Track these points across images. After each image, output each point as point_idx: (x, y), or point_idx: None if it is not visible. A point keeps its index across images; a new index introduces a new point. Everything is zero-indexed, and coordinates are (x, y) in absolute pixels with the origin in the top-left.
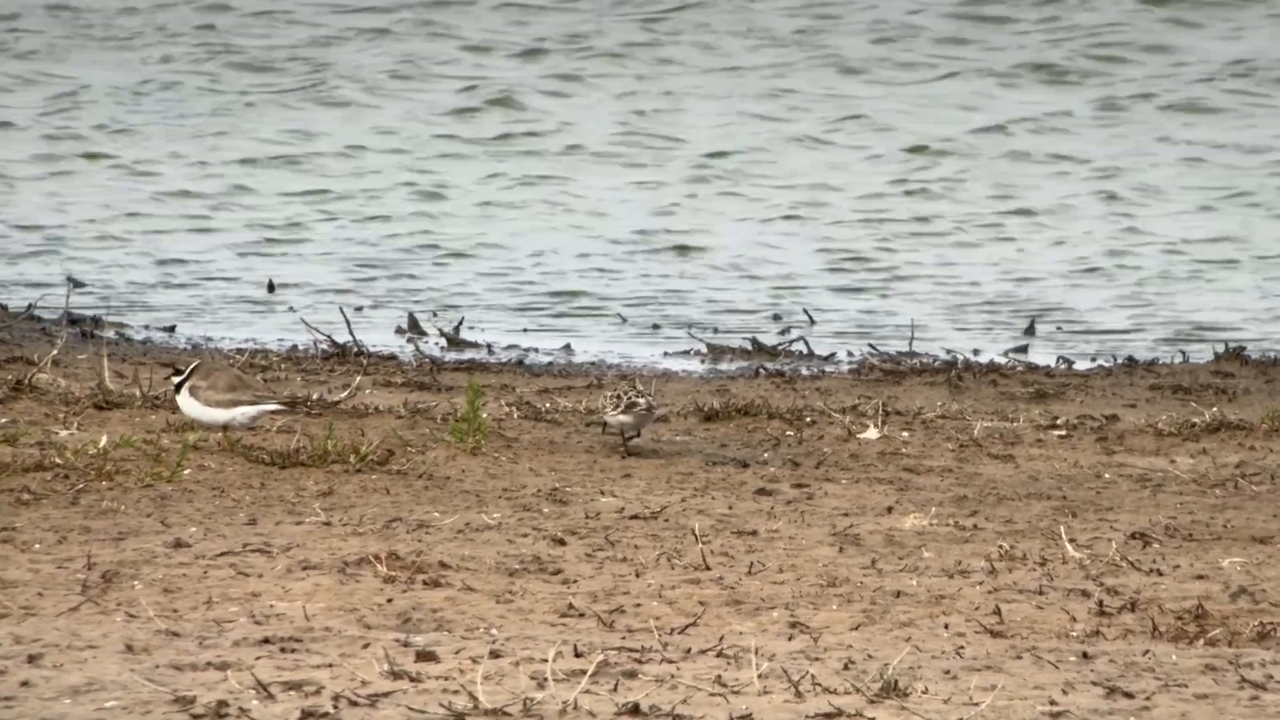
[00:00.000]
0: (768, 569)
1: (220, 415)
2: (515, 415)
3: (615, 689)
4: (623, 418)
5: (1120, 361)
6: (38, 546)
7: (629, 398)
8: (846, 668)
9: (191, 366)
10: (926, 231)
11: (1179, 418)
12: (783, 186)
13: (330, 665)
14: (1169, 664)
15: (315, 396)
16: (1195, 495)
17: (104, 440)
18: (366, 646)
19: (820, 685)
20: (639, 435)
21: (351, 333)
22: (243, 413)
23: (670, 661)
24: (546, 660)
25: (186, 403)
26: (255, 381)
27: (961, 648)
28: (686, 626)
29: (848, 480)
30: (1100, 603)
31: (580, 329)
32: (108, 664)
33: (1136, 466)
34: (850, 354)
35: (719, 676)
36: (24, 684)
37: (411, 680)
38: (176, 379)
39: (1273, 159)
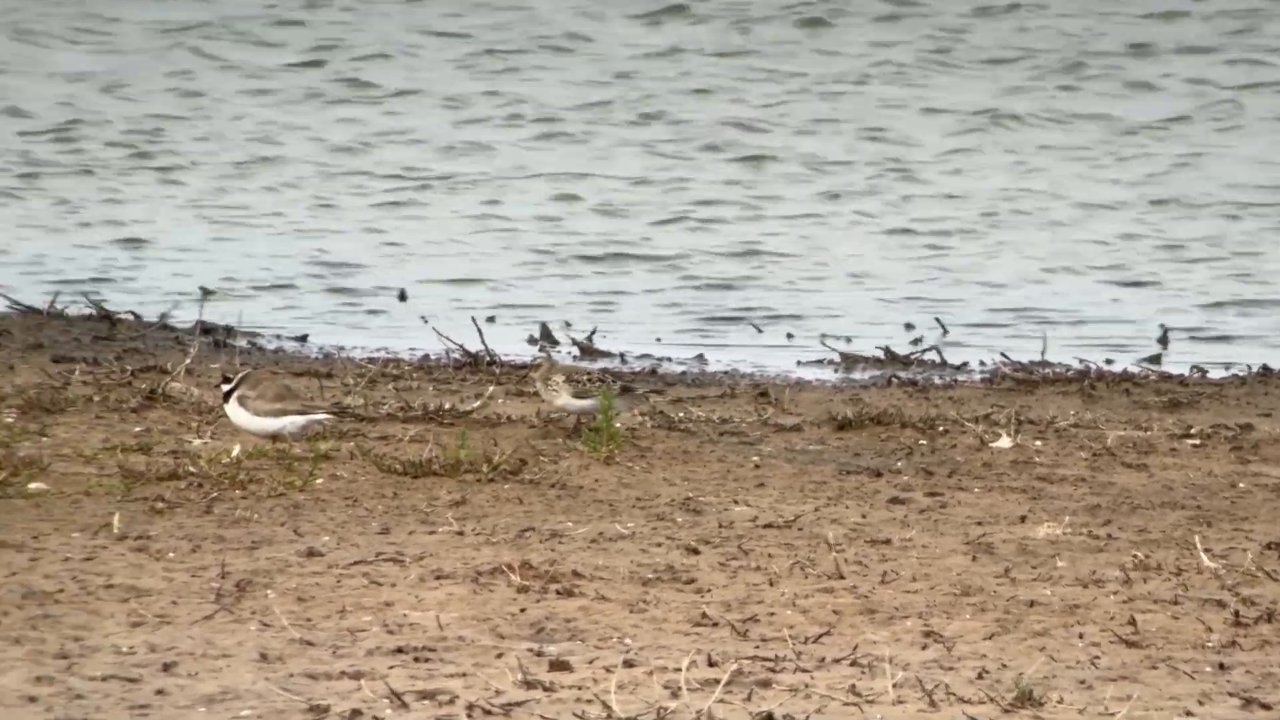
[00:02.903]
0: (901, 578)
1: (269, 424)
2: (649, 424)
3: (749, 698)
4: (582, 403)
5: (1255, 370)
6: (172, 555)
7: (590, 381)
8: (980, 677)
9: (240, 375)
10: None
11: None
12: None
13: (464, 675)
14: None
15: (448, 405)
16: None
17: (237, 449)
18: (500, 656)
19: (954, 695)
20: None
21: (484, 341)
22: (291, 422)
23: (804, 670)
24: (680, 669)
25: (235, 412)
26: (303, 391)
27: (1096, 657)
28: (820, 635)
29: (981, 489)
30: (1236, 613)
31: (713, 338)
32: (242, 673)
33: (1272, 476)
34: (983, 363)
35: (853, 686)
36: (159, 692)
37: (545, 690)
38: (225, 387)
39: None
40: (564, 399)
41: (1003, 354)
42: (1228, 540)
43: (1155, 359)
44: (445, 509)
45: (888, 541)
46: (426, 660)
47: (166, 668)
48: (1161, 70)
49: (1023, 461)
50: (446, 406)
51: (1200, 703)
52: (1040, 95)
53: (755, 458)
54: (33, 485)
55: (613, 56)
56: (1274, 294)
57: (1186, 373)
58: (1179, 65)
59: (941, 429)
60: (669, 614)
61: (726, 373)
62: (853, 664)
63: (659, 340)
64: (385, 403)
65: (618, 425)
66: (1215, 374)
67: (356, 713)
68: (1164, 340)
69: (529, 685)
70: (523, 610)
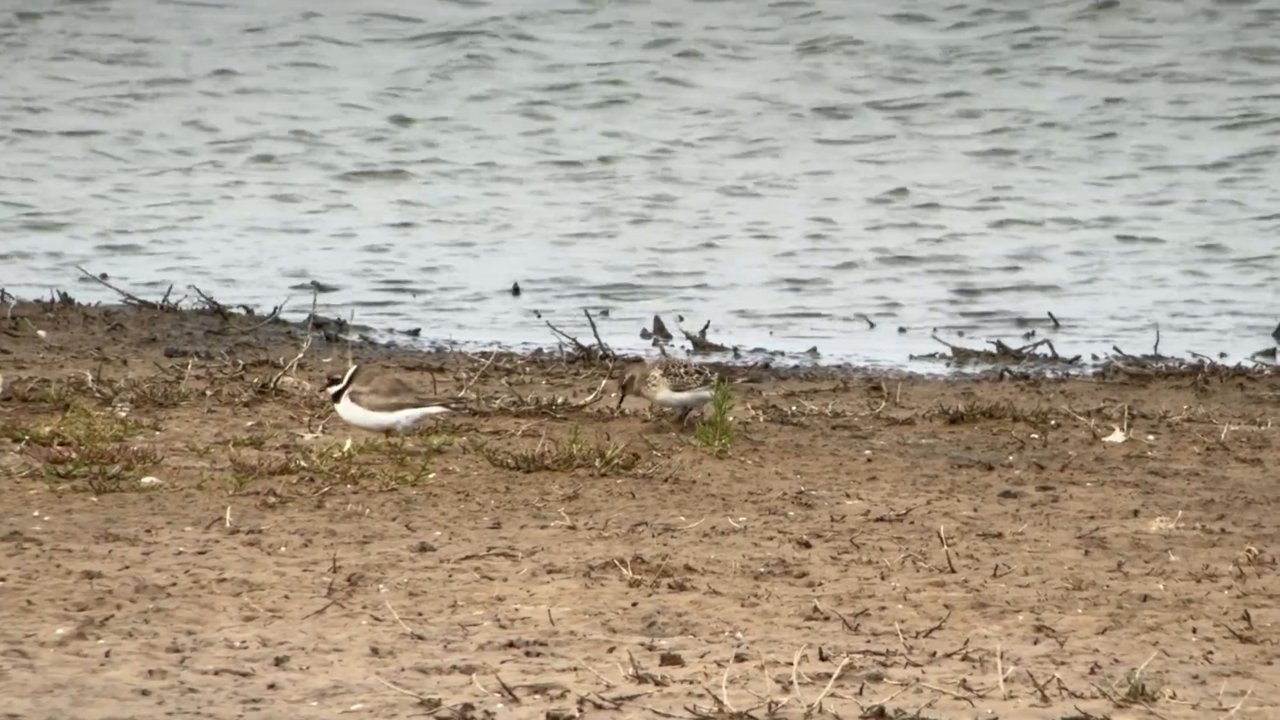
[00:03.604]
0: (1013, 572)
1: (384, 419)
2: (761, 418)
3: (860, 692)
4: (681, 396)
5: None
6: (283, 549)
7: (687, 374)
8: (1093, 672)
9: (350, 372)
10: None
11: None
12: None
13: (575, 669)
14: None
15: (561, 400)
16: None
17: (348, 444)
18: (611, 650)
19: (1066, 689)
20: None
21: (597, 335)
22: (406, 415)
23: (915, 665)
24: (791, 664)
25: (348, 409)
26: (416, 384)
27: (1210, 653)
28: (931, 630)
29: (1093, 483)
30: None
31: (826, 331)
32: (353, 667)
33: None
34: (1095, 357)
35: (964, 680)
36: (271, 686)
37: (656, 684)
38: (333, 389)
39: None
40: (663, 393)
41: (1115, 348)
42: None
43: (1270, 353)
44: (557, 503)
45: (999, 535)
46: (538, 655)
47: (278, 662)
48: None
49: (1135, 456)
50: (559, 401)
51: None
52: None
53: (867, 451)
54: (146, 479)
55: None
56: None
57: None
58: None
59: (1053, 423)
60: (781, 608)
61: (839, 366)
62: (964, 658)
63: (771, 333)
64: (498, 397)
65: (729, 419)
66: None
67: (468, 707)
68: (1279, 333)
69: (640, 679)
70: (634, 604)
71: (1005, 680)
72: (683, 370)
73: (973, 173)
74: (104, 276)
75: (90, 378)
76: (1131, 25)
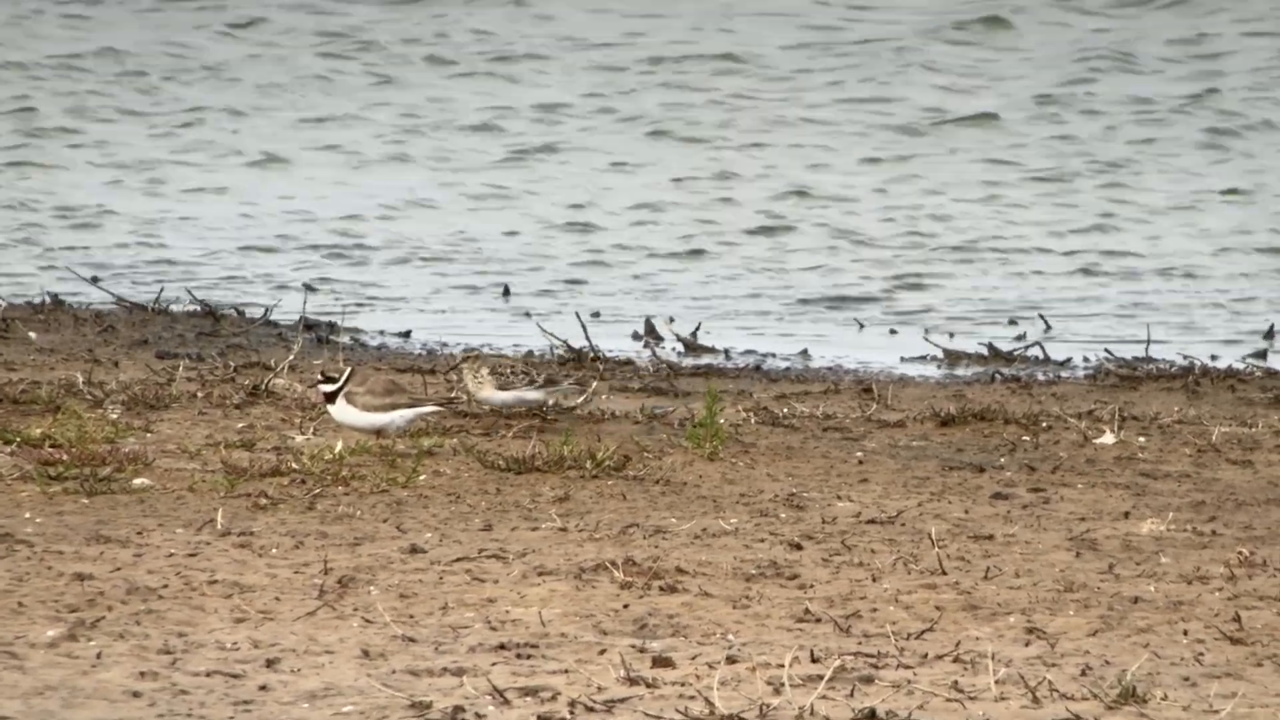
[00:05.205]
0: (1004, 574)
1: (378, 419)
2: (752, 420)
3: (852, 694)
4: (504, 395)
5: None
6: (275, 551)
7: (513, 374)
8: (1084, 674)
9: (347, 373)
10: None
11: None
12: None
13: (566, 671)
14: None
15: (551, 401)
16: None
17: (339, 445)
18: (603, 652)
19: (1057, 691)
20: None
21: (588, 338)
22: (400, 415)
23: (907, 667)
24: (783, 666)
25: (342, 410)
26: (409, 385)
27: (1201, 654)
28: (923, 631)
29: (1084, 485)
30: None
31: (817, 334)
32: (344, 669)
33: None
34: (1086, 359)
35: (956, 682)
36: (262, 688)
37: (648, 686)
38: (328, 387)
39: None
40: (487, 391)
41: (1106, 349)
42: None
43: (1261, 355)
44: (548, 505)
45: (990, 537)
46: (529, 657)
47: (269, 664)
48: None
49: (1126, 458)
50: (550, 402)
51: None
52: None
53: (858, 453)
54: (137, 481)
55: None
56: None
57: None
58: None
59: (1045, 425)
60: (772, 610)
61: (830, 368)
62: (955, 660)
63: (762, 335)
64: None
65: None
66: None
67: (459, 709)
68: (1270, 336)
69: (631, 682)
70: (625, 606)
71: (996, 682)
72: (509, 370)
73: None
74: (95, 279)
75: (81, 380)
76: None
